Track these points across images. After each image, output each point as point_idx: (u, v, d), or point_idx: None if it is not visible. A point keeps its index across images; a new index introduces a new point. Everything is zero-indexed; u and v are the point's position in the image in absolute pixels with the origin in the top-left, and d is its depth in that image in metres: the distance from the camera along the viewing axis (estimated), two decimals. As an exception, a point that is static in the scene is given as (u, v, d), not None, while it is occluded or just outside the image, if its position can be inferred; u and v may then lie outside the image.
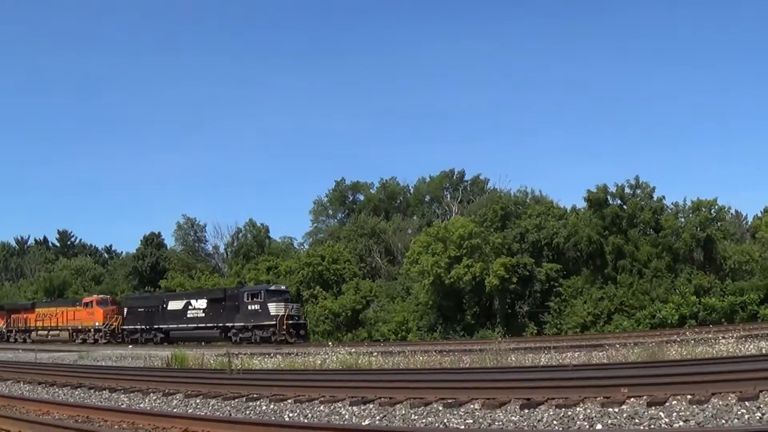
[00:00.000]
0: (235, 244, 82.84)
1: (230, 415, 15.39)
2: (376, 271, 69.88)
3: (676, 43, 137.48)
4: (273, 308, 50.71)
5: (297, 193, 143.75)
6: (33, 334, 65.82)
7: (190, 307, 55.93)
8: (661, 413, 11.48)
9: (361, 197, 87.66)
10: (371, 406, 14.44)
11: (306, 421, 13.65)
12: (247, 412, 15.56)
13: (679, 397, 12.33)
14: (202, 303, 55.38)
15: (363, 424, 13.18)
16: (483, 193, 78.80)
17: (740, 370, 13.89)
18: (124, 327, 60.02)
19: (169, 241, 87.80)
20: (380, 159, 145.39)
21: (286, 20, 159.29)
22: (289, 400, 15.89)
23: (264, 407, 15.69)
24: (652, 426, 11.03)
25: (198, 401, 17.27)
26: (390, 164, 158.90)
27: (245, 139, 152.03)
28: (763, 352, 22.07)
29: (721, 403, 11.63)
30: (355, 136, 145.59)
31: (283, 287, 56.58)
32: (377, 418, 13.53)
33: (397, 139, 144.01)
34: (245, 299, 52.40)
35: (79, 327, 62.41)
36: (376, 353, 30.18)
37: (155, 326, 57.38)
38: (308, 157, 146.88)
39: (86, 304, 63.16)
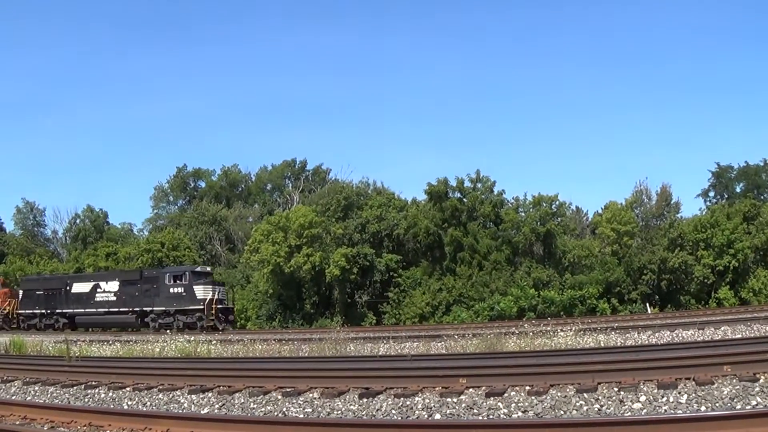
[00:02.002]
0: (73, 229, 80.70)
1: (69, 402, 15.18)
2: (217, 258, 69.28)
3: (524, 39, 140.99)
4: (200, 291, 46.44)
5: (138, 179, 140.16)
6: None
7: (99, 289, 50.40)
8: (499, 404, 11.55)
9: (203, 184, 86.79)
10: (210, 394, 14.40)
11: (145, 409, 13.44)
12: (86, 399, 15.41)
13: (517, 388, 12.42)
14: (113, 285, 49.88)
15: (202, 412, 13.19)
16: (325, 183, 79.11)
17: (579, 362, 14.05)
18: (20, 312, 54.32)
19: (9, 225, 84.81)
20: (222, 146, 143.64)
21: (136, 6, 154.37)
22: (128, 388, 15.82)
23: (103, 395, 15.57)
24: (491, 416, 11.02)
25: (37, 389, 17.01)
26: (232, 152, 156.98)
27: (85, 124, 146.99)
28: (602, 345, 22.63)
29: (559, 394, 11.78)
30: (198, 122, 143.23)
31: (208, 269, 52.58)
32: (216, 406, 13.39)
33: (239, 126, 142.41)
34: (166, 281, 47.64)
35: None
36: (215, 342, 30.10)
37: (57, 311, 51.99)
38: (149, 143, 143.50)
39: None
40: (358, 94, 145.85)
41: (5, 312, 55.15)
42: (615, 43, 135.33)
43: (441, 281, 53.83)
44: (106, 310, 49.58)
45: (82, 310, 50.82)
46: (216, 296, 46.52)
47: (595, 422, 8.90)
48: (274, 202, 79.59)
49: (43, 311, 52.68)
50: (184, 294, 46.76)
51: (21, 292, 55.01)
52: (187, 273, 47.80)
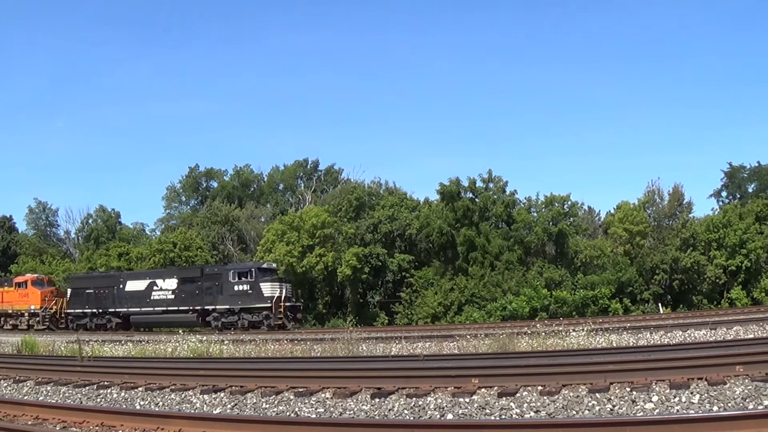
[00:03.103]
0: (85, 229, 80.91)
1: (81, 402, 15.15)
2: (229, 258, 69.29)
3: (536, 38, 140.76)
4: (267, 289, 44.41)
5: (150, 179, 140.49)
6: None
7: (155, 287, 48.32)
8: (512, 404, 11.52)
9: (215, 184, 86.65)
10: (222, 394, 14.39)
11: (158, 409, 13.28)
12: (98, 399, 15.38)
13: (530, 388, 12.36)
14: (171, 283, 47.90)
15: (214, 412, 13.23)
16: (337, 183, 79.10)
17: (591, 362, 13.98)
18: (69, 311, 51.72)
19: (21, 225, 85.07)
20: (235, 146, 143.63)
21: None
22: (140, 388, 15.76)
23: (115, 395, 15.53)
24: (503, 416, 11.00)
25: (49, 389, 16.98)
26: (244, 152, 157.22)
27: (97, 124, 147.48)
28: (614, 345, 22.61)
29: (571, 394, 11.75)
30: (210, 122, 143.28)
31: (274, 265, 50.29)
32: (228, 406, 13.42)
33: (251, 127, 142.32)
34: (230, 278, 45.56)
35: (9, 311, 54.00)
36: (227, 342, 30.02)
37: (110, 310, 49.81)
38: (162, 143, 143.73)
39: (18, 285, 54.44)
40: (370, 94, 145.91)
41: (52, 311, 52.99)
42: (627, 42, 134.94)
43: (453, 281, 53.89)
44: (164, 309, 47.66)
45: (138, 309, 48.81)
46: (284, 293, 44.80)
47: (607, 422, 8.92)
48: (286, 202, 79.55)
49: (94, 311, 50.63)
50: (250, 291, 44.91)
51: (69, 291, 52.73)
52: (253, 270, 46.01)
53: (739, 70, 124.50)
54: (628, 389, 11.63)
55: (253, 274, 45.23)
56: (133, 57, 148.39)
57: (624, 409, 10.78)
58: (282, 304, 43.94)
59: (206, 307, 46.06)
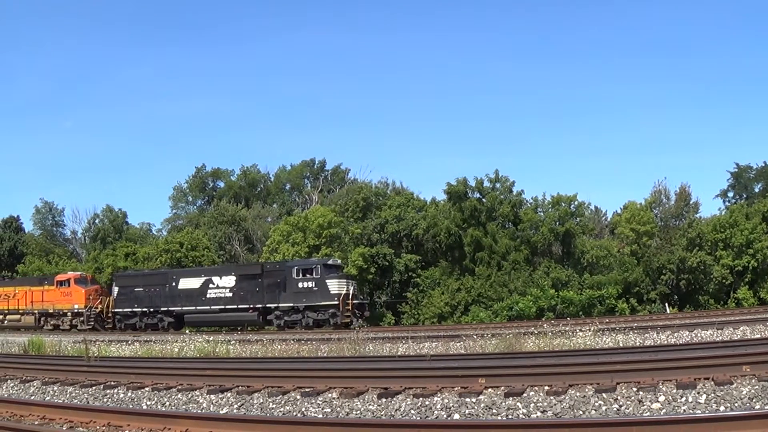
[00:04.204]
0: (92, 229, 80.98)
1: (88, 402, 15.19)
2: (236, 258, 69.38)
3: (543, 37, 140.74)
4: (334, 286, 43.01)
5: (157, 179, 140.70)
6: None
7: (211, 285, 46.73)
8: (518, 404, 11.56)
9: (221, 184, 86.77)
10: (229, 394, 14.42)
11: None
12: (105, 399, 15.43)
13: (536, 388, 12.41)
14: (228, 280, 46.31)
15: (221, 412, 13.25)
16: (344, 183, 79.18)
17: (597, 362, 14.04)
18: (116, 310, 49.94)
19: (28, 225, 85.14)
20: (241, 146, 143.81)
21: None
22: (147, 388, 15.80)
23: (122, 395, 15.57)
24: (510, 416, 11.03)
25: (56, 389, 17.03)
26: (251, 152, 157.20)
27: (104, 124, 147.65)
28: (621, 345, 22.62)
29: (578, 394, 11.78)
30: (217, 122, 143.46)
31: (339, 261, 48.74)
32: (235, 406, 13.43)
33: (258, 126, 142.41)
34: (294, 275, 43.92)
35: (50, 310, 51.77)
36: (233, 342, 30.13)
37: (162, 309, 48.11)
38: (168, 143, 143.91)
39: (60, 283, 52.22)
40: (377, 94, 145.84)
41: (97, 311, 50.94)
42: (634, 42, 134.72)
43: (460, 281, 53.89)
44: (222, 307, 45.98)
45: (193, 308, 47.18)
46: (350, 290, 43.59)
47: (613, 422, 8.94)
48: (293, 202, 79.66)
49: (144, 310, 48.96)
50: (315, 289, 43.35)
51: (116, 290, 50.84)
52: (318, 266, 44.37)
53: (746, 70, 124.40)
54: (635, 389, 11.67)
55: (319, 271, 43.77)
56: (140, 57, 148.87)
57: (631, 409, 10.79)
58: (350, 301, 42.65)
59: (267, 305, 44.58)
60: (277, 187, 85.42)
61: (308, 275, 43.74)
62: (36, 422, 12.45)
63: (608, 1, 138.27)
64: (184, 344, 28.24)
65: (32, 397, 16.08)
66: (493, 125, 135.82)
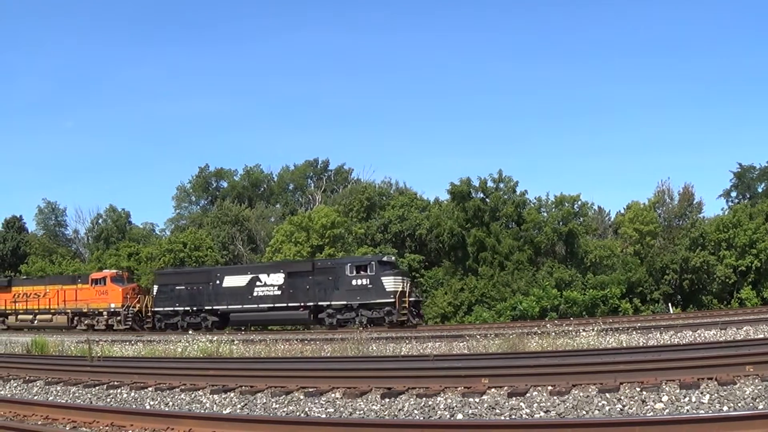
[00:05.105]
0: (95, 229, 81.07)
1: (91, 402, 15.21)
2: (239, 258, 69.38)
3: (546, 39, 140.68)
4: (390, 283, 41.28)
5: (160, 179, 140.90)
6: (11, 318, 53.14)
7: (258, 282, 45.11)
8: (521, 404, 11.53)
9: (225, 184, 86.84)
10: (232, 394, 14.41)
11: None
12: (108, 399, 15.44)
13: (539, 388, 12.38)
14: (277, 278, 44.65)
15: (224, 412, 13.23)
16: (347, 182, 79.24)
17: (601, 362, 14.02)
18: (156, 309, 48.43)
19: (31, 225, 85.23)
20: (245, 146, 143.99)
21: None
22: (150, 388, 15.80)
23: (125, 395, 15.57)
24: (513, 416, 11.00)
25: (59, 389, 17.04)
26: (254, 152, 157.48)
27: (107, 124, 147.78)
28: (624, 345, 22.58)
29: (581, 394, 11.77)
30: (220, 122, 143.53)
31: (393, 258, 47.43)
32: (238, 406, 13.43)
33: (261, 126, 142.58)
34: (348, 272, 42.48)
35: (84, 310, 50.16)
36: (237, 341, 30.04)
37: (205, 308, 46.38)
38: (172, 143, 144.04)
39: (96, 281, 50.73)
40: (380, 94, 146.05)
41: (135, 310, 49.62)
42: (637, 42, 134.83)
43: (463, 281, 53.91)
44: (270, 306, 44.34)
45: (239, 307, 45.49)
46: (407, 288, 41.83)
47: (617, 422, 8.93)
48: (296, 202, 79.68)
49: (187, 308, 47.33)
50: (370, 286, 41.83)
51: (156, 288, 49.43)
52: (373, 263, 42.68)
53: (749, 69, 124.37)
54: (638, 389, 11.64)
55: (374, 268, 42.16)
56: (142, 57, 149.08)
57: (634, 409, 10.78)
58: (406, 299, 41.26)
59: (319, 303, 43.12)
60: (281, 187, 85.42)
61: (363, 272, 42.45)
62: (39, 422, 12.42)
63: (608, 1, 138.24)
64: (187, 344, 28.16)
65: (35, 397, 16.07)
66: (496, 125, 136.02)
